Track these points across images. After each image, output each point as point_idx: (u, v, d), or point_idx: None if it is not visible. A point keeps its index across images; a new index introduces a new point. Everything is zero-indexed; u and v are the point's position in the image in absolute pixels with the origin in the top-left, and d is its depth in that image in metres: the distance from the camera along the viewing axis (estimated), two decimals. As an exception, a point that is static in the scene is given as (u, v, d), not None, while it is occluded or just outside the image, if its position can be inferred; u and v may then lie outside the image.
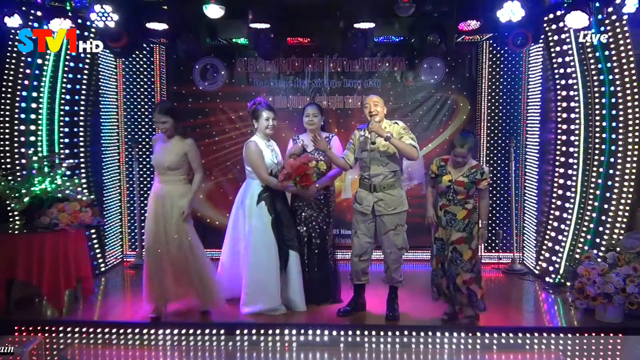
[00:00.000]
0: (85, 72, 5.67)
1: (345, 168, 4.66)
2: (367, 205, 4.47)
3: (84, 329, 4.48)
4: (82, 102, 5.68)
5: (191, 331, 4.44)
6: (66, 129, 5.53)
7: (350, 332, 4.40)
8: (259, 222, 4.61)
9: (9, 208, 5.04)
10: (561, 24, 5.03)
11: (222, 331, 4.44)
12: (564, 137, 5.35)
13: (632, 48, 5.10)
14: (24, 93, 5.35)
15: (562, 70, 5.31)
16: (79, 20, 5.18)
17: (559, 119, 5.38)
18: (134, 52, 6.17)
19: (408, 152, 4.37)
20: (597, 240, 5.16)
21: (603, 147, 5.15)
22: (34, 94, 5.36)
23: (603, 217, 5.17)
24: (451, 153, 4.29)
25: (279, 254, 4.64)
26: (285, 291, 4.69)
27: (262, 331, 4.42)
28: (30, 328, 4.44)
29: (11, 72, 5.35)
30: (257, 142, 4.67)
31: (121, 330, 4.47)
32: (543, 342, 4.35)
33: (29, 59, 5.32)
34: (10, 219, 5.07)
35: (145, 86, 6.56)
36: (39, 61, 5.35)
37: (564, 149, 5.35)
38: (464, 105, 6.49)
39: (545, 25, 5.33)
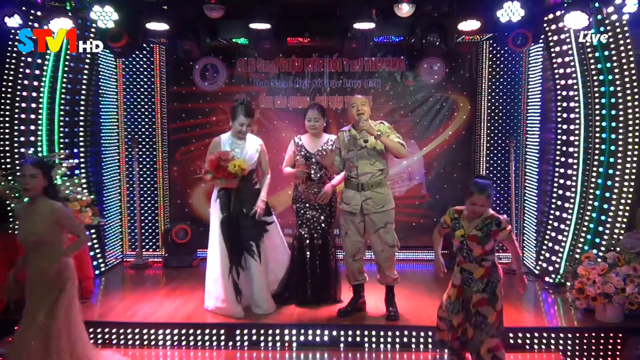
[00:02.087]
0: (85, 72, 5.66)
1: (337, 173, 4.73)
2: (356, 204, 4.47)
3: (83, 329, 4.48)
4: (82, 102, 5.68)
5: (191, 331, 4.44)
6: (66, 129, 5.52)
7: (350, 332, 4.41)
8: (213, 219, 4.72)
9: (9, 208, 5.05)
10: (561, 24, 5.02)
11: (222, 331, 4.44)
12: (564, 137, 5.35)
13: (632, 48, 5.10)
14: (24, 93, 5.35)
15: (562, 70, 5.30)
16: (79, 20, 5.18)
17: (559, 119, 5.38)
18: (134, 52, 6.18)
19: (397, 149, 4.39)
20: (597, 240, 5.16)
21: (603, 147, 5.15)
22: (34, 94, 5.36)
23: (603, 217, 5.16)
24: (466, 202, 3.68)
25: (233, 253, 4.61)
26: (249, 290, 4.69)
27: (262, 331, 4.43)
28: (30, 328, 4.42)
29: (11, 72, 5.35)
30: (222, 139, 4.73)
31: (121, 330, 4.48)
32: (543, 342, 4.36)
33: (29, 59, 5.32)
34: (11, 219, 5.08)
35: (145, 86, 6.56)
36: (39, 61, 5.35)
37: (564, 149, 5.35)
38: (464, 105, 6.50)
39: (545, 25, 5.33)
